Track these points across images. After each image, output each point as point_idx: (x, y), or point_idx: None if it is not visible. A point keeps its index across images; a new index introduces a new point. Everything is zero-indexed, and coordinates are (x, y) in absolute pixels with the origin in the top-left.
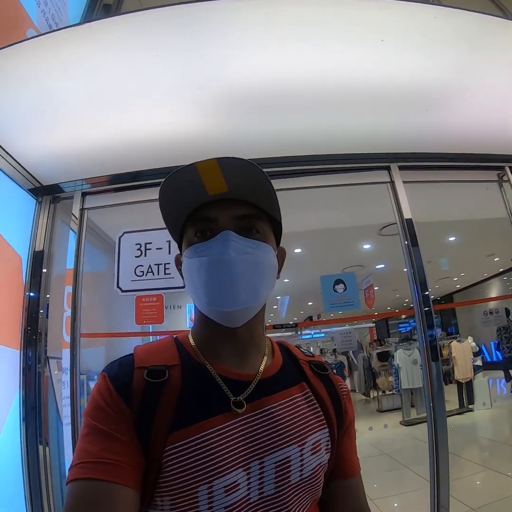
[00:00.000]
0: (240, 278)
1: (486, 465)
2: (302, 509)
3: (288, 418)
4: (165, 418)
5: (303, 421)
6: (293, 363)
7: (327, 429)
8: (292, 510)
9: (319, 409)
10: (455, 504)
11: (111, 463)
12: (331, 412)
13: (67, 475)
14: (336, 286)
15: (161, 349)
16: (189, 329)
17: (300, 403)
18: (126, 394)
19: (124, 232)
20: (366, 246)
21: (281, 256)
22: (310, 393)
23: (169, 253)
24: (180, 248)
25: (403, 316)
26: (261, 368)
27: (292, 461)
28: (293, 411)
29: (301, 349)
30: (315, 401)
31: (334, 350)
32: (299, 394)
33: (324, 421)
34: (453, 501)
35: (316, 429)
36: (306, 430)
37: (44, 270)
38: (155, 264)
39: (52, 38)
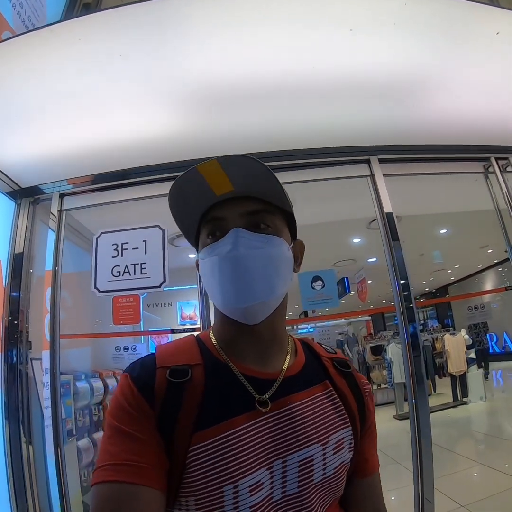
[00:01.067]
0: (251, 273)
1: (479, 460)
2: (324, 507)
3: (311, 417)
4: (188, 418)
5: (326, 420)
6: (316, 361)
7: (350, 428)
8: (314, 508)
9: (342, 407)
10: (445, 500)
11: (135, 465)
12: (354, 410)
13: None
14: (313, 283)
15: (183, 349)
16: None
17: (323, 401)
18: (149, 395)
19: (101, 233)
20: (356, 240)
21: (300, 248)
22: (333, 391)
23: (145, 253)
24: (198, 252)
25: None
26: (285, 366)
27: (315, 460)
28: (316, 409)
29: (323, 345)
30: (339, 399)
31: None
32: (322, 393)
33: (347, 420)
34: (444, 497)
35: (339, 428)
36: (329, 429)
37: (31, 271)
38: (132, 264)
39: (21, 41)
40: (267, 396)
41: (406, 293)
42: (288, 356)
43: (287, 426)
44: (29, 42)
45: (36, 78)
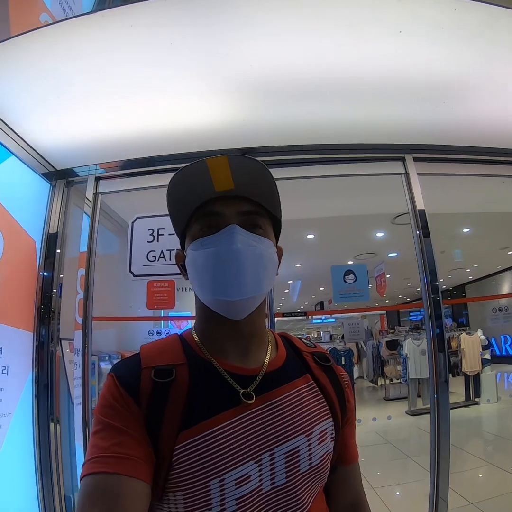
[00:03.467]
0: (246, 268)
1: (488, 459)
2: (311, 496)
3: (295, 410)
4: (174, 418)
5: (309, 412)
6: (297, 355)
7: (331, 419)
8: (303, 497)
9: (324, 399)
10: (455, 497)
11: (123, 457)
12: (335, 402)
13: (81, 461)
14: (346, 277)
15: (166, 348)
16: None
17: (305, 394)
18: (135, 395)
19: (137, 217)
20: (379, 234)
21: (280, 254)
22: (315, 385)
23: None
24: (182, 244)
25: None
26: (266, 361)
27: (301, 451)
28: (299, 402)
29: (302, 340)
30: (320, 392)
31: (343, 337)
32: (304, 386)
33: (329, 411)
34: (453, 494)
35: (321, 419)
36: (312, 420)
37: (58, 251)
38: (167, 250)
39: (65, 25)
40: (251, 389)
41: (434, 290)
42: (269, 351)
43: (272, 419)
44: (74, 27)
45: (78, 63)
